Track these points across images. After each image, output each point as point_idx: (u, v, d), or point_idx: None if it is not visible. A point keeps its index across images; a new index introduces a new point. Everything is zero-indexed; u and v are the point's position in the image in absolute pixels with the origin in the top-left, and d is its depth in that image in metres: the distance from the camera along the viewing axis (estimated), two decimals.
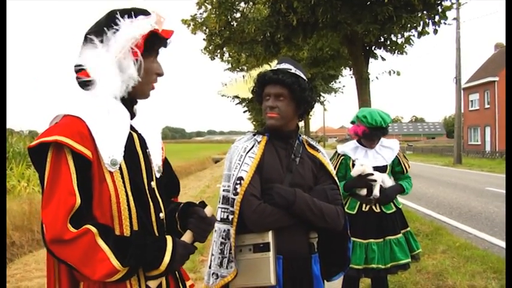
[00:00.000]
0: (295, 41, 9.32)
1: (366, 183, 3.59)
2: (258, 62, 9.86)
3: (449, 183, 16.77)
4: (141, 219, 1.64)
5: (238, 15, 9.34)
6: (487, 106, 41.46)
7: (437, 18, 8.33)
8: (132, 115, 1.75)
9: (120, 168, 1.60)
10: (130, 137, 1.69)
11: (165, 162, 1.93)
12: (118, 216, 1.58)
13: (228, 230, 2.21)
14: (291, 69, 2.32)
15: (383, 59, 9.87)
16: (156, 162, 1.79)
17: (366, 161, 3.67)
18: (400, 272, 4.40)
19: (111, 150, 1.58)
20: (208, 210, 1.78)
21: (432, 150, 45.77)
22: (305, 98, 2.30)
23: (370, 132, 3.66)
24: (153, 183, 1.74)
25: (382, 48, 9.54)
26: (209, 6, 9.50)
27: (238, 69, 21.49)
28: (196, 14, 9.73)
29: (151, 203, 1.70)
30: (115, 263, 1.46)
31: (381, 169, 3.70)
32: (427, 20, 8.37)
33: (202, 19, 9.82)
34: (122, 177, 1.61)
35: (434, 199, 12.47)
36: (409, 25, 8.00)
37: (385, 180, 3.68)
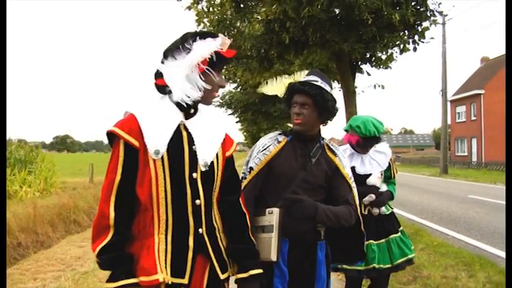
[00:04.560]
0: (287, 57, 10.09)
1: (375, 192, 3.72)
2: (252, 76, 10.60)
3: (434, 192, 17.29)
4: (175, 201, 1.94)
5: (235, 31, 10.05)
6: (473, 118, 42.18)
7: (416, 37, 9.13)
8: (189, 116, 2.05)
9: (163, 158, 1.91)
10: (179, 133, 1.99)
11: (228, 160, 2.18)
12: (156, 196, 1.91)
13: None
14: (317, 81, 2.55)
15: (368, 74, 10.71)
16: (203, 158, 2.02)
17: (362, 168, 3.77)
18: None
19: (155, 143, 1.90)
20: None
21: (420, 161, 46.23)
22: (327, 108, 2.53)
23: (364, 142, 3.69)
24: (195, 174, 1.99)
25: (367, 64, 10.34)
26: (208, 24, 10.24)
27: (231, 82, 22.19)
28: (196, 31, 10.42)
29: (189, 190, 1.96)
30: (98, 248, 1.85)
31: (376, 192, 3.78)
32: (407, 39, 9.16)
33: None
34: (163, 165, 1.92)
35: (418, 205, 12.98)
36: (391, 44, 8.80)
37: (382, 186, 3.85)
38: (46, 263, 6.97)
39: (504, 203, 13.18)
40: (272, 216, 2.40)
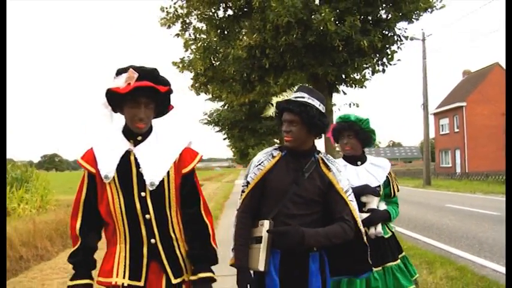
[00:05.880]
0: (267, 80, 10.96)
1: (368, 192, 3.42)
2: (236, 98, 11.46)
3: (414, 202, 17.77)
4: (129, 217, 2.23)
5: (220, 56, 10.86)
6: (456, 130, 42.83)
7: (385, 60, 10.04)
8: (137, 143, 2.28)
9: (114, 180, 2.22)
10: (127, 159, 2.25)
11: (187, 176, 2.34)
12: (114, 212, 2.24)
13: None
14: (303, 97, 2.55)
15: (344, 93, 11.66)
16: (150, 179, 2.23)
17: (356, 180, 3.38)
18: None
19: (105, 169, 2.23)
20: None
21: (405, 173, 46.16)
22: (314, 123, 2.51)
23: (337, 124, 3.50)
24: (143, 193, 2.23)
25: (343, 84, 11.22)
26: (195, 50, 11.07)
27: (218, 100, 22.77)
28: (184, 57, 11.27)
29: (138, 206, 2.22)
30: (69, 254, 2.30)
31: (375, 190, 3.41)
32: (376, 62, 10.05)
33: (189, 61, 11.33)
34: (116, 187, 2.23)
35: None
36: (361, 67, 9.70)
37: (380, 205, 3.47)
38: (50, 272, 7.43)
39: (479, 210, 13.98)
40: (262, 228, 2.49)
